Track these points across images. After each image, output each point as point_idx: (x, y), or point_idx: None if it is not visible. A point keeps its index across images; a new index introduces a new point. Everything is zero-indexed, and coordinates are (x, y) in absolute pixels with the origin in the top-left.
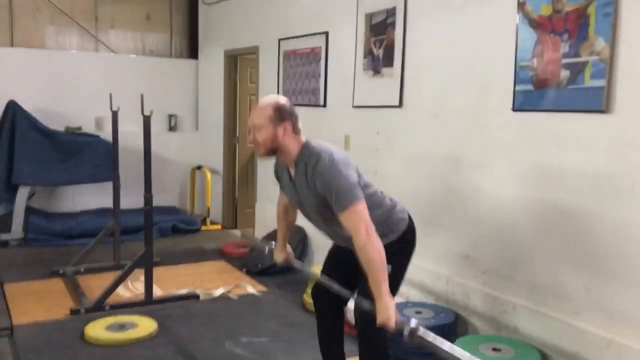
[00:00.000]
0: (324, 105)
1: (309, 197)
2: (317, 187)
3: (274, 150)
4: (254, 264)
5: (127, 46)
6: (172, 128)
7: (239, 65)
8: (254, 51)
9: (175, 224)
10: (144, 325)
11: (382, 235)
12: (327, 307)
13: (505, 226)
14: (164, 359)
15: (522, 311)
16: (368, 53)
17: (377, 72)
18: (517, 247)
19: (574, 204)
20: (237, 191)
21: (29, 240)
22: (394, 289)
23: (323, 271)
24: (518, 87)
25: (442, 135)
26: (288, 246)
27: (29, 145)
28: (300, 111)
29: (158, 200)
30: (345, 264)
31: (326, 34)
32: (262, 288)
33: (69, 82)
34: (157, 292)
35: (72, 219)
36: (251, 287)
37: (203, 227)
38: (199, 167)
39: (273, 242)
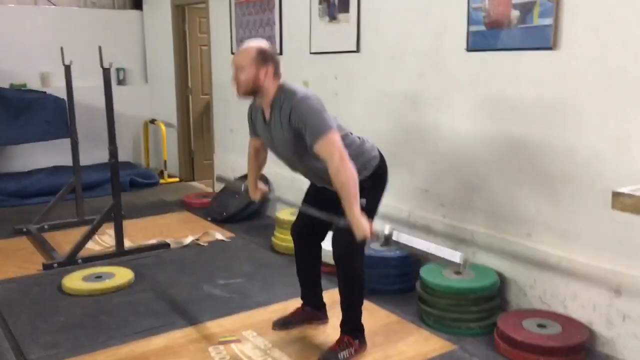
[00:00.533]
0: (280, 53)
1: (283, 135)
2: (291, 121)
3: (254, 90)
4: (218, 212)
5: None
6: (120, 82)
7: (188, 15)
8: (203, 0)
9: (132, 178)
10: (121, 274)
11: (357, 165)
12: (306, 245)
13: (462, 159)
14: (146, 303)
15: (480, 237)
16: (320, 3)
17: (333, 18)
18: (473, 178)
19: (525, 134)
20: (193, 143)
21: None
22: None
23: (302, 205)
24: (471, 28)
25: (400, 77)
26: (261, 183)
27: None
28: None
29: None
30: (321, 200)
31: None
32: (230, 234)
33: (9, 37)
34: (127, 243)
35: (25, 178)
36: (219, 234)
37: (161, 181)
38: (153, 121)
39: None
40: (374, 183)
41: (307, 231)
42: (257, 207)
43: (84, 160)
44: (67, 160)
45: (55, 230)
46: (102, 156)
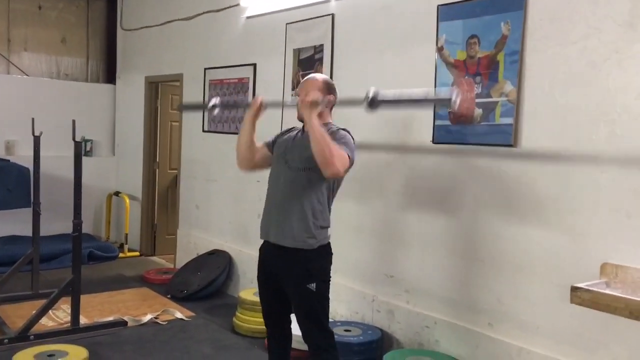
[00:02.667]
0: None
1: (306, 142)
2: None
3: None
4: (178, 289)
5: (40, 69)
6: (87, 153)
7: (160, 91)
8: (177, 79)
9: (91, 250)
10: (75, 353)
11: (321, 227)
12: (279, 329)
13: (428, 246)
14: None
15: (442, 325)
16: (296, 86)
17: None
18: (437, 264)
19: (488, 225)
20: (156, 217)
21: None
22: (323, 307)
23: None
24: (437, 122)
25: (370, 167)
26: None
27: None
28: (224, 139)
29: (71, 227)
30: (276, 296)
31: (254, 65)
32: (189, 313)
33: None
34: (83, 320)
35: None
36: (179, 313)
37: (121, 255)
38: (117, 193)
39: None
40: (326, 260)
41: (275, 317)
42: (220, 286)
43: (42, 231)
44: (24, 230)
45: (8, 303)
46: (61, 227)
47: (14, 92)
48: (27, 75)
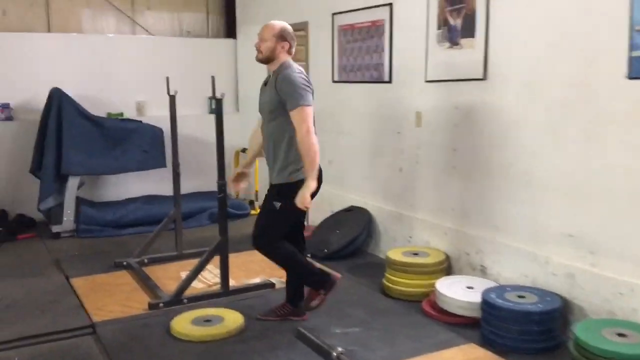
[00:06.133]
0: (389, 81)
1: (269, 97)
2: (277, 86)
3: (269, 58)
4: (318, 248)
5: (163, 27)
6: (212, 111)
7: None
8: (301, 27)
9: None
10: (231, 318)
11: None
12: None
13: (620, 201)
14: (261, 352)
15: None
16: (443, 24)
17: (454, 43)
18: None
19: None
20: None
21: (81, 231)
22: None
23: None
24: (634, 53)
25: (537, 108)
26: (244, 181)
27: (77, 133)
28: (362, 88)
29: (201, 185)
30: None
31: (390, 5)
32: (334, 274)
33: (107, 66)
34: (230, 281)
35: (121, 207)
36: None
37: (252, 212)
38: (244, 150)
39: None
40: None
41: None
42: (360, 244)
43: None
44: (159, 189)
45: (155, 264)
46: (191, 186)
47: (139, 52)
48: (151, 34)
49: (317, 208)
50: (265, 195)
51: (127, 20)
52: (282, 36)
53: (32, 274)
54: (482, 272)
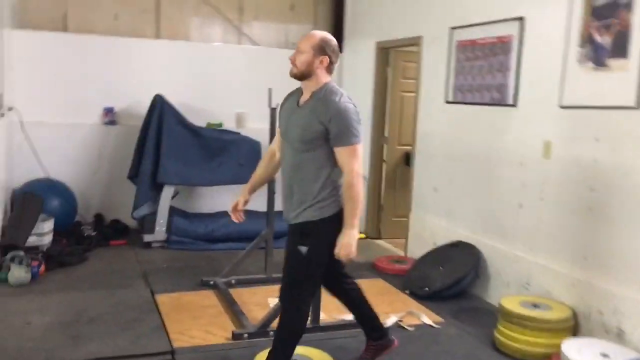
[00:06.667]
0: (514, 105)
1: (303, 120)
2: (319, 113)
3: (306, 74)
4: (418, 285)
5: (269, 38)
6: None
7: (392, 58)
8: (414, 42)
9: None
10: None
11: (331, 196)
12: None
13: None
14: None
15: None
16: (587, 41)
17: (601, 64)
18: None
19: None
20: (382, 197)
21: (172, 242)
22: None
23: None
24: None
25: None
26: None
27: (175, 142)
28: (480, 110)
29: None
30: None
31: (521, 19)
32: (436, 317)
33: (211, 75)
34: (321, 315)
35: (212, 221)
36: (425, 317)
37: None
38: None
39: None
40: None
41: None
42: (466, 286)
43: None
44: (250, 204)
45: (243, 286)
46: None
47: (244, 62)
48: (258, 45)
49: (416, 237)
50: (287, 240)
51: (234, 30)
52: (321, 48)
53: (120, 285)
54: (619, 336)
